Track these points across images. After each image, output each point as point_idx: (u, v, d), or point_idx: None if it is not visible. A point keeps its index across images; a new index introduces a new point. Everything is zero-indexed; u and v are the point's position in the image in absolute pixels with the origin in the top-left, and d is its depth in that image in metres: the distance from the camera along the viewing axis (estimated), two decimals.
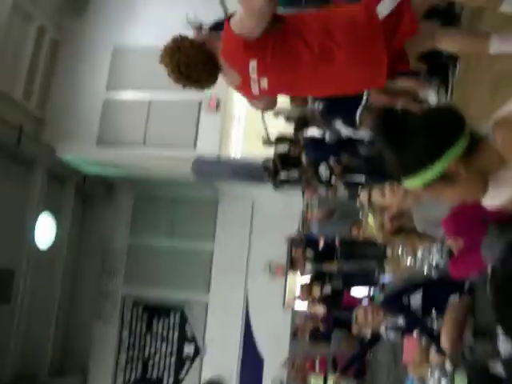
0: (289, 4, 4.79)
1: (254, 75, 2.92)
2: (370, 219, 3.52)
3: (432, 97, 5.82)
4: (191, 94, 11.45)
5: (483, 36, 3.22)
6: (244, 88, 3.07)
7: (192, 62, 2.88)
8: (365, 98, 6.23)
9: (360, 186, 5.13)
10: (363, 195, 4.24)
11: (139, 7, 12.15)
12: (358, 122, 6.53)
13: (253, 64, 2.87)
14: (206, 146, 11.55)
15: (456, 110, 1.75)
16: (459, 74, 5.13)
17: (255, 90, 3.01)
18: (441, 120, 1.73)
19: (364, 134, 7.14)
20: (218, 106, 11.72)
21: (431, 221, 2.96)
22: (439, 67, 5.48)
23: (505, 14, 2.47)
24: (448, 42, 3.24)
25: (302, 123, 7.97)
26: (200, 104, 11.73)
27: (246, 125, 13.10)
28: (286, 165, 9.20)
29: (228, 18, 2.86)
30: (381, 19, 2.84)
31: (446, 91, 5.54)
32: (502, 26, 3.37)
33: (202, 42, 2.98)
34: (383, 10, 2.85)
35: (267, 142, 9.52)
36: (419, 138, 1.69)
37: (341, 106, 6.54)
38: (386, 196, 3.28)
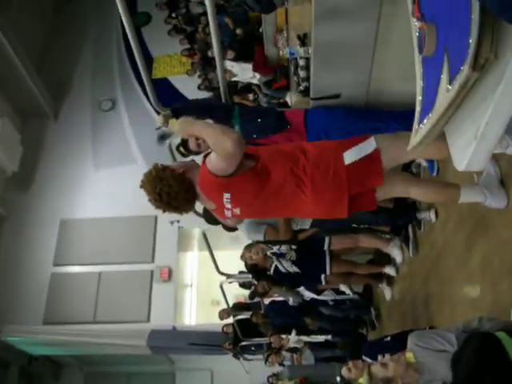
0: (245, 122, 4.76)
1: (228, 205, 3.13)
2: None
3: (397, 254, 5.84)
4: (143, 265, 11.43)
5: (453, 187, 3.39)
6: (218, 212, 3.29)
7: (173, 191, 3.02)
8: (328, 264, 6.24)
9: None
10: (345, 371, 3.89)
11: (85, 181, 12.13)
12: (324, 283, 6.53)
13: (227, 196, 3.08)
14: (160, 317, 11.06)
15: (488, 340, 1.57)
16: (425, 229, 5.06)
17: (228, 215, 3.21)
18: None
19: (328, 295, 7.22)
20: (169, 275, 11.42)
21: None
22: (401, 225, 5.50)
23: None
24: (420, 192, 3.36)
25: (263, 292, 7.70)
26: (152, 274, 11.37)
27: (199, 292, 12.81)
28: (246, 333, 8.80)
29: (204, 155, 3.10)
30: (346, 163, 3.01)
31: (408, 247, 5.50)
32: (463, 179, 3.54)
33: (182, 172, 3.09)
34: (347, 158, 3.01)
35: (225, 312, 9.01)
36: None
37: (303, 277, 6.58)
38: (389, 368, 3.00)
